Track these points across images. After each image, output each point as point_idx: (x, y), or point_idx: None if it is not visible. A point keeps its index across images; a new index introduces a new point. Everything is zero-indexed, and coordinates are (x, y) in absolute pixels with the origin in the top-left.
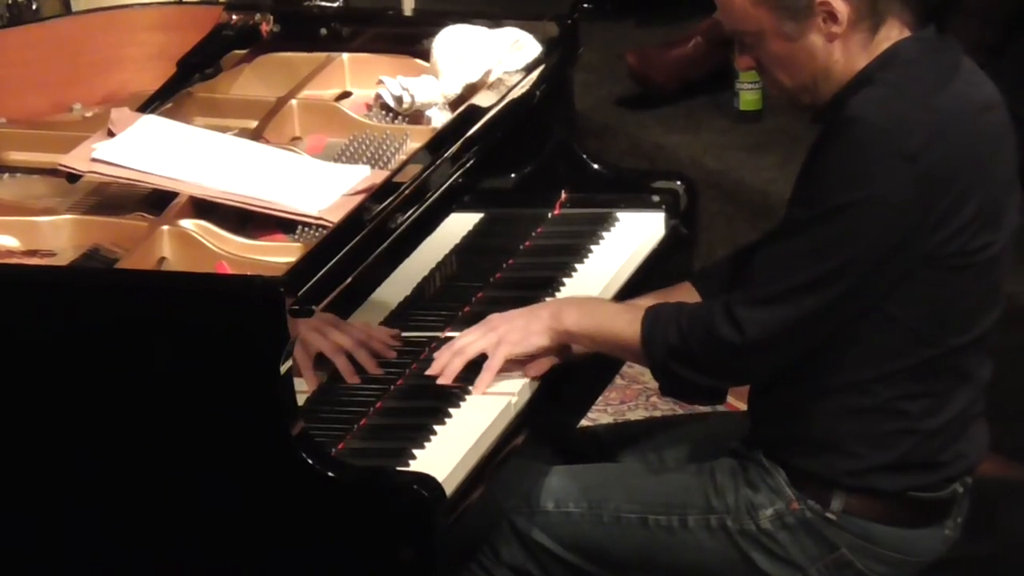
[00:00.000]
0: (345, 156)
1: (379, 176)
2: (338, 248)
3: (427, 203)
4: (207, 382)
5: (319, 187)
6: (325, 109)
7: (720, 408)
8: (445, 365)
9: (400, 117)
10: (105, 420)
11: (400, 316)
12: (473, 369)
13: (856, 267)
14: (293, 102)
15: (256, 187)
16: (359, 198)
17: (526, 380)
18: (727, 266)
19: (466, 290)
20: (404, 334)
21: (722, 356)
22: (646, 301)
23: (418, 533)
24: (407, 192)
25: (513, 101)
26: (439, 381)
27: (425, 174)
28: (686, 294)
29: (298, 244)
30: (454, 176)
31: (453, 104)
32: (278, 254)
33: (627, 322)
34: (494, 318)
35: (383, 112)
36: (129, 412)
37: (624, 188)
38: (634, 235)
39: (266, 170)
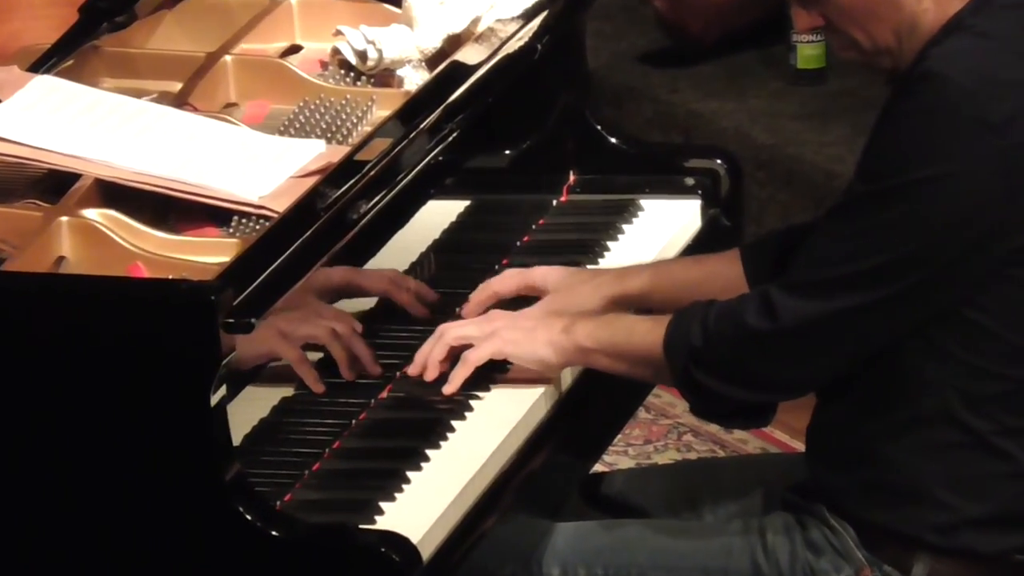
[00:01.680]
0: (294, 127)
1: (337, 153)
2: (285, 245)
3: (398, 187)
4: (119, 414)
5: (260, 167)
6: (268, 67)
7: (773, 449)
8: (426, 356)
9: (364, 77)
10: None
11: (365, 332)
12: (460, 399)
13: (922, 261)
14: (227, 58)
15: (180, 167)
16: (311, 181)
17: (526, 410)
18: (775, 242)
19: (449, 299)
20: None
21: (747, 351)
22: (677, 268)
23: None
24: (373, 174)
25: (507, 57)
26: (410, 371)
27: (396, 151)
28: (727, 264)
29: (234, 240)
30: (433, 153)
31: (432, 61)
32: (208, 253)
33: (648, 329)
34: (496, 313)
35: (342, 71)
36: (21, 450)
37: (650, 168)
38: (662, 229)
39: (193, 145)
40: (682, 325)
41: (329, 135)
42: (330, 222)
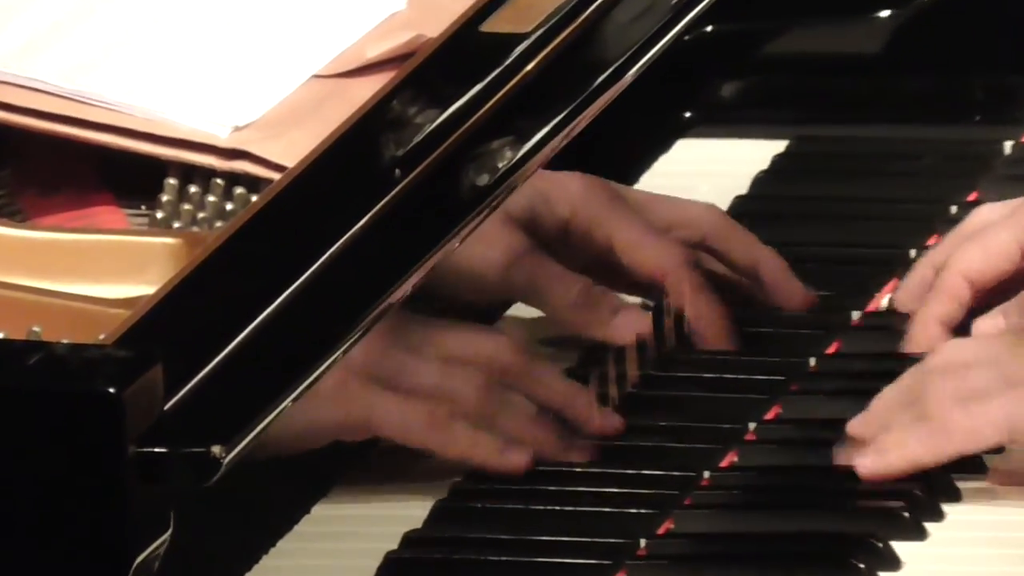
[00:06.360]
0: None
1: (435, 19)
2: (305, 256)
3: (588, 111)
4: None
5: (235, 54)
6: None
7: None
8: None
9: None
10: None
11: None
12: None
13: None
14: None
15: (47, 64)
16: (373, 86)
17: None
18: None
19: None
20: None
21: None
22: None
23: None
24: (548, 65)
25: None
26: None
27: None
28: None
29: (166, 240)
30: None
31: None
32: (102, 272)
33: None
34: (948, 356)
35: None
36: None
37: None
38: None
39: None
40: None
41: None
42: (422, 193)
